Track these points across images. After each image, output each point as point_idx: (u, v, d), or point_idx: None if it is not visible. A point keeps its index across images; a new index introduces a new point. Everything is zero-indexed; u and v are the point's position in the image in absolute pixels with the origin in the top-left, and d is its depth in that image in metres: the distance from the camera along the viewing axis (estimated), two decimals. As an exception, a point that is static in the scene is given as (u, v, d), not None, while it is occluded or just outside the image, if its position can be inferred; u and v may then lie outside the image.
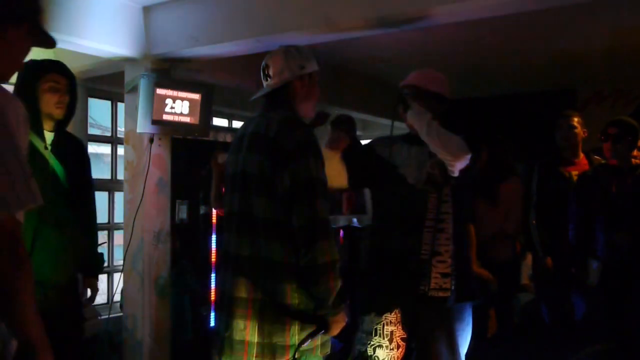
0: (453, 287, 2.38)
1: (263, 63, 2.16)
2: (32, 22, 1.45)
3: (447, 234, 2.41)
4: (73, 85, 2.63)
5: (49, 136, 2.59)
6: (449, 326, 2.41)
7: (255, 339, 1.93)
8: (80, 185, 2.69)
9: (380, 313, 2.46)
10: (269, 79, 2.14)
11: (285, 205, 1.91)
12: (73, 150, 2.71)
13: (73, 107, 2.66)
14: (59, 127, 2.64)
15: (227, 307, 2.01)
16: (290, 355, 1.93)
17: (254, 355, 1.93)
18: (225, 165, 2.20)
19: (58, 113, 2.57)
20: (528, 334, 4.11)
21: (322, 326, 1.97)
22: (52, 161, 2.55)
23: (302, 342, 1.93)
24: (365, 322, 2.50)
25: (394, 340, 2.44)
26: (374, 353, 2.45)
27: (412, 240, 2.41)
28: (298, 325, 1.94)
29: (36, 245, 2.44)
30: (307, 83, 2.14)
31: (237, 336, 1.95)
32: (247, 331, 1.94)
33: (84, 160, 2.80)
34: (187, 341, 3.95)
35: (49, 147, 2.56)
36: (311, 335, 1.95)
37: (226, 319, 2.00)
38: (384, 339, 2.44)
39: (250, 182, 1.99)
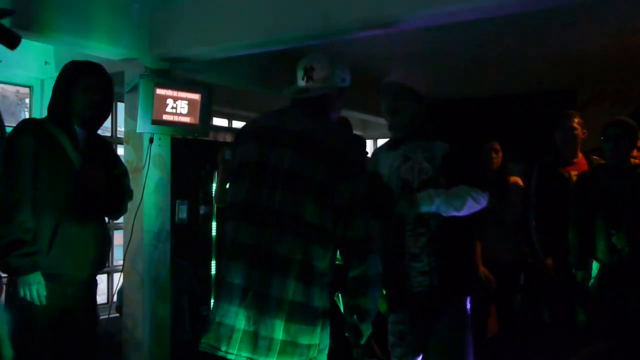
0: (435, 284, 2.38)
1: (306, 63, 2.11)
2: None
3: (426, 237, 2.39)
4: (108, 87, 2.66)
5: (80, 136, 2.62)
6: (444, 327, 2.39)
7: (281, 336, 1.91)
8: (110, 186, 2.67)
9: (390, 314, 2.50)
10: (310, 81, 2.09)
11: (339, 216, 1.92)
12: (103, 150, 2.73)
13: (107, 109, 2.70)
14: (91, 128, 2.66)
15: (250, 302, 1.93)
16: (310, 354, 1.95)
17: (277, 352, 1.91)
18: (238, 152, 2.10)
19: (89, 113, 2.60)
20: (528, 334, 4.11)
21: (356, 334, 2.02)
22: (74, 159, 2.55)
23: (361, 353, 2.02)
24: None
25: (406, 338, 2.46)
26: (392, 351, 2.50)
27: (395, 243, 2.42)
28: (321, 326, 1.97)
29: (55, 241, 2.47)
30: (342, 97, 2.14)
31: (263, 332, 1.91)
32: (273, 328, 1.91)
33: (113, 161, 2.80)
34: (186, 341, 3.95)
35: (78, 145, 2.58)
36: (359, 345, 2.02)
37: (248, 314, 1.93)
38: (396, 337, 2.49)
39: (299, 183, 1.93)
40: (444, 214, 2.35)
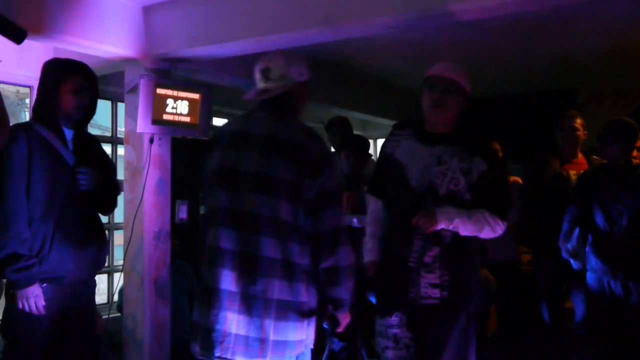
0: (444, 296, 2.30)
1: (262, 65, 2.16)
2: None
3: (441, 246, 2.30)
4: (95, 87, 2.65)
5: (68, 135, 2.60)
6: (446, 335, 2.33)
7: (271, 336, 1.97)
8: (106, 184, 2.68)
9: (382, 316, 2.45)
10: (269, 81, 2.13)
11: (309, 211, 1.99)
12: (92, 148, 2.73)
13: (93, 109, 2.68)
14: (78, 127, 2.65)
15: (239, 306, 1.99)
16: (299, 350, 2.04)
17: (269, 352, 1.98)
18: (210, 160, 2.17)
19: (77, 114, 2.58)
20: (528, 334, 4.11)
21: (334, 323, 2.11)
22: (68, 159, 2.54)
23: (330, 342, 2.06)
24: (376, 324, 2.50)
25: (400, 342, 2.41)
26: (383, 354, 2.46)
27: (404, 247, 2.33)
28: (307, 322, 2.04)
29: (54, 244, 2.46)
30: (304, 91, 2.17)
31: (254, 334, 1.97)
32: (264, 329, 1.97)
33: (102, 158, 2.79)
34: (186, 341, 3.95)
35: (68, 145, 2.57)
36: (337, 333, 2.08)
37: (238, 317, 1.99)
38: (389, 340, 2.43)
39: (270, 185, 1.99)
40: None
